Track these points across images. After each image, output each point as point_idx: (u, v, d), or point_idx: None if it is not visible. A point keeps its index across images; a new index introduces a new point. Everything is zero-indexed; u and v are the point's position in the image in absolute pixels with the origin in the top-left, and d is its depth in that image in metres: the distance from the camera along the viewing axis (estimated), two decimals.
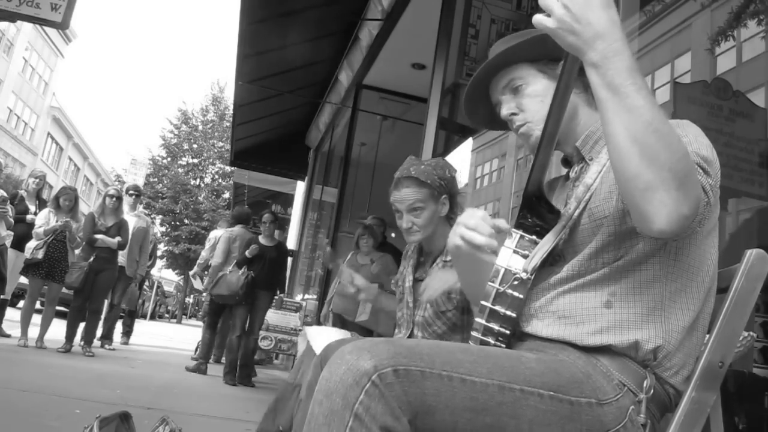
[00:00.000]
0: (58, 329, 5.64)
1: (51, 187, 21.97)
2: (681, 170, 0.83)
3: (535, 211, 1.05)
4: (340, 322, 4.15)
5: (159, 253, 20.40)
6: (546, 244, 1.03)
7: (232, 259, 5.66)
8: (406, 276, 1.97)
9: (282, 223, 9.30)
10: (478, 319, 1.02)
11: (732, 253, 1.06)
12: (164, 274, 26.59)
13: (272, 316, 6.13)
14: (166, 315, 24.49)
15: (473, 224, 1.03)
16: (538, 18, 0.88)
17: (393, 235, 7.25)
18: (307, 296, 7.85)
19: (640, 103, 0.83)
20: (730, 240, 2.70)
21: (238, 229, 6.05)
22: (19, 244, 5.57)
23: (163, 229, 23.58)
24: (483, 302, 1.02)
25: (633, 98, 0.83)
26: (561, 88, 0.97)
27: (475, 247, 1.02)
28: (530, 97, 1.15)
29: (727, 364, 0.98)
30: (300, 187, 9.91)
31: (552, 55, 1.07)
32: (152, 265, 7.87)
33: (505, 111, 1.18)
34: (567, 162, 1.21)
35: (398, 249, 5.26)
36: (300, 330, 5.96)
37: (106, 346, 6.28)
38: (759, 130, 2.69)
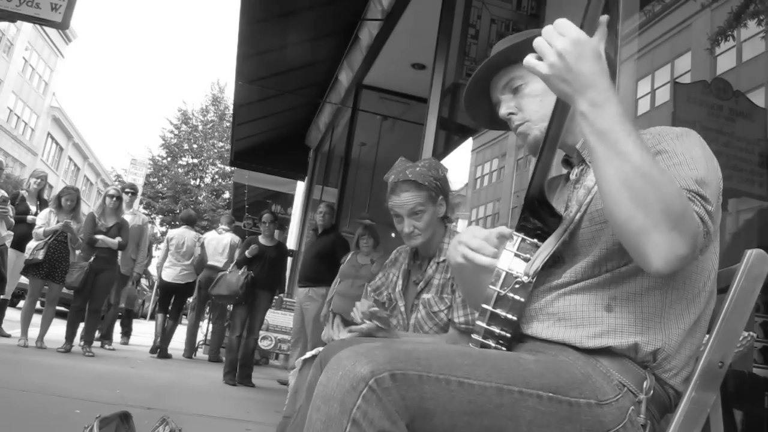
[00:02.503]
0: (58, 329, 5.64)
1: (51, 187, 21.97)
2: (674, 212, 0.84)
3: (536, 215, 1.05)
4: (341, 322, 4.14)
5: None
6: (547, 247, 1.03)
7: (169, 255, 6.61)
8: (396, 282, 1.97)
9: (282, 223, 9.31)
10: (478, 322, 1.02)
11: (732, 253, 1.06)
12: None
13: (272, 316, 6.14)
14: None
15: (476, 245, 1.02)
16: (530, 62, 0.90)
17: (393, 235, 7.25)
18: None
19: (629, 148, 0.85)
20: (730, 240, 2.70)
21: (180, 229, 6.95)
22: (19, 244, 5.57)
23: (163, 229, 23.58)
24: (484, 305, 1.02)
25: (622, 143, 0.85)
26: None
27: (478, 267, 1.02)
28: (529, 97, 1.15)
29: (727, 364, 0.98)
30: (300, 187, 9.90)
31: None
32: (148, 264, 7.89)
33: (503, 110, 1.18)
34: (567, 163, 1.21)
35: (344, 237, 5.40)
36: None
37: (106, 346, 6.28)
38: (759, 130, 2.69)
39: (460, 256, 1.04)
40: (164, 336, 6.58)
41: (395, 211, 1.87)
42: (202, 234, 7.35)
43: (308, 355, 1.87)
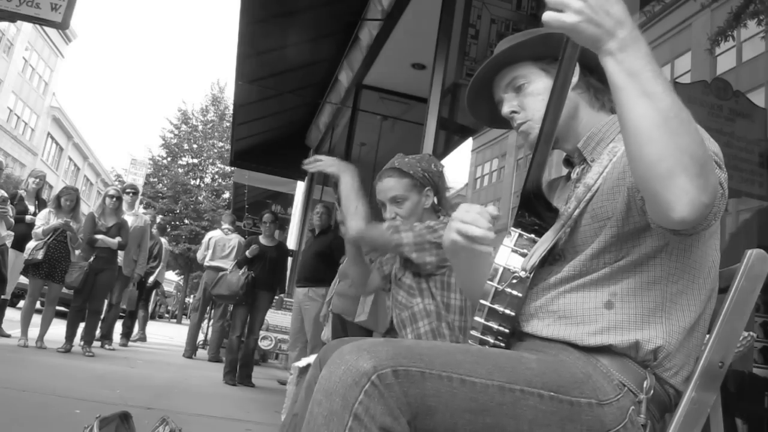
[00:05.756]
0: (58, 329, 5.64)
1: (51, 187, 21.97)
2: (701, 157, 0.82)
3: (533, 210, 1.05)
4: (340, 322, 4.14)
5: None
6: (545, 242, 1.03)
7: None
8: (395, 266, 1.99)
9: (282, 223, 9.31)
10: (477, 318, 1.02)
11: (732, 253, 1.06)
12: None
13: (272, 316, 6.14)
14: (166, 315, 24.52)
15: (470, 218, 1.02)
16: (551, 16, 0.85)
17: None
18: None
19: (659, 88, 0.82)
20: (730, 240, 2.70)
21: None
22: (18, 244, 5.56)
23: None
24: (482, 301, 1.02)
25: (652, 84, 0.83)
26: (558, 86, 0.97)
27: (472, 240, 1.01)
28: (532, 96, 1.15)
29: (727, 364, 0.98)
30: (300, 187, 9.89)
31: (555, 54, 1.07)
32: (157, 266, 7.93)
33: (506, 109, 1.18)
34: (569, 162, 1.21)
35: (342, 237, 5.40)
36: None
37: (106, 346, 6.28)
38: (759, 130, 2.69)
39: (454, 232, 1.03)
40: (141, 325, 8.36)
41: (378, 198, 1.91)
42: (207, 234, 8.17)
43: (304, 363, 1.86)
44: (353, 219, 1.80)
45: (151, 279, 7.88)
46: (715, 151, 0.94)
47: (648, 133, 0.82)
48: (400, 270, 1.85)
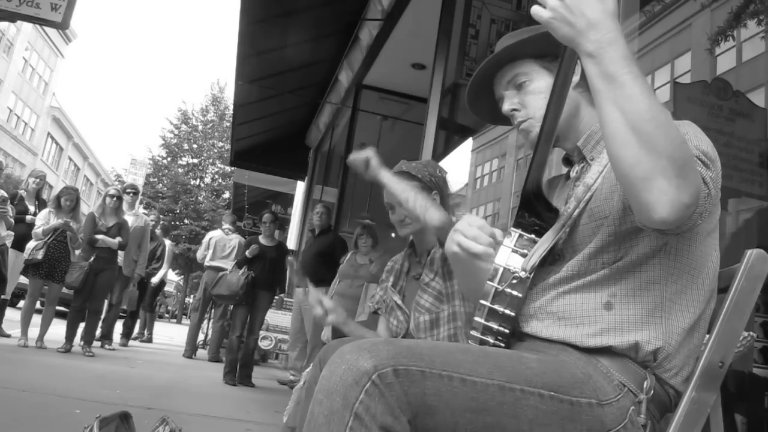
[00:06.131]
0: (58, 329, 5.64)
1: (51, 187, 21.97)
2: (680, 158, 0.83)
3: (533, 210, 1.05)
4: None
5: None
6: (545, 242, 1.03)
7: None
8: (387, 286, 1.98)
9: (282, 223, 9.32)
10: (477, 318, 1.02)
11: (732, 253, 1.06)
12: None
13: (272, 316, 6.13)
14: (166, 315, 24.53)
15: (472, 234, 1.02)
16: (535, 9, 0.88)
17: (393, 235, 7.25)
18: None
19: (636, 91, 0.83)
20: (730, 240, 2.70)
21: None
22: (19, 244, 5.56)
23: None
24: (482, 301, 1.01)
25: (629, 87, 0.83)
26: (558, 86, 0.97)
27: (474, 256, 1.01)
28: (533, 94, 1.15)
29: (727, 364, 0.98)
30: (300, 187, 9.89)
31: (557, 51, 1.07)
32: (159, 267, 7.94)
33: (507, 106, 1.18)
34: (568, 161, 1.20)
35: (342, 238, 5.45)
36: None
37: (106, 346, 6.28)
38: (759, 130, 2.69)
39: (455, 245, 1.03)
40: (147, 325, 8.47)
41: (387, 200, 1.91)
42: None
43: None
44: (432, 210, 1.73)
45: (156, 279, 7.87)
46: (704, 150, 0.94)
47: (624, 136, 0.83)
48: (428, 274, 1.85)
